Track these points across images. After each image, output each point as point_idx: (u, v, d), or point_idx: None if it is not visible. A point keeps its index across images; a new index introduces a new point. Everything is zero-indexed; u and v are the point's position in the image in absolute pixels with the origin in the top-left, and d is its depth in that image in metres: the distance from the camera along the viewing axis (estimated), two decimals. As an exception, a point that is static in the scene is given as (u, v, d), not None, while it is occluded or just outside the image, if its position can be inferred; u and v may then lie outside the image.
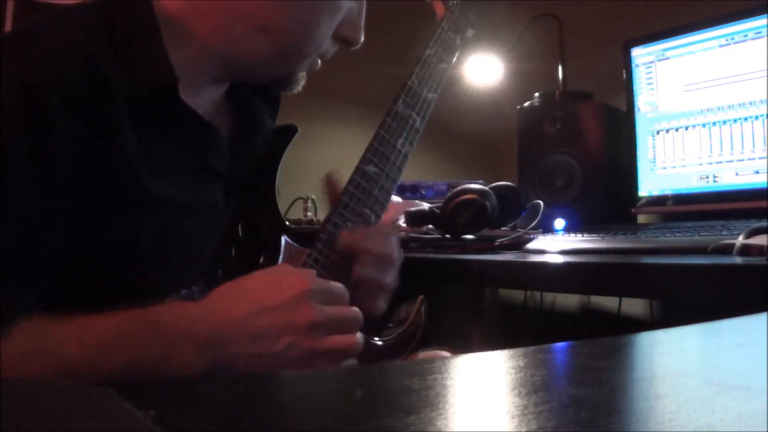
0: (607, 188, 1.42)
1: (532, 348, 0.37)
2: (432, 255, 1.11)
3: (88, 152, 0.61)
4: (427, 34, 0.91)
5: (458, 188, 1.14)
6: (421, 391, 0.29)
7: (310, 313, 0.59)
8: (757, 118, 1.23)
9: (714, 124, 1.29)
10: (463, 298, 1.85)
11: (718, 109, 1.29)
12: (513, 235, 1.13)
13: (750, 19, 1.24)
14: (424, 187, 1.69)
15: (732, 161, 1.27)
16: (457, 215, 1.12)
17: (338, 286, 0.65)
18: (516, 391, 0.29)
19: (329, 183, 0.80)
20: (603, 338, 0.40)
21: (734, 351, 0.39)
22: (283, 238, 0.76)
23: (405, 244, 1.21)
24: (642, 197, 1.42)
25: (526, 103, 1.56)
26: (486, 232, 1.15)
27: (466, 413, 0.26)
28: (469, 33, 0.95)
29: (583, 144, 1.44)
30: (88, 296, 0.63)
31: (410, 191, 1.69)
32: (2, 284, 0.57)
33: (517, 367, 0.34)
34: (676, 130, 1.35)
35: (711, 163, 1.30)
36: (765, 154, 1.22)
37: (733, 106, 1.26)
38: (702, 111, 1.31)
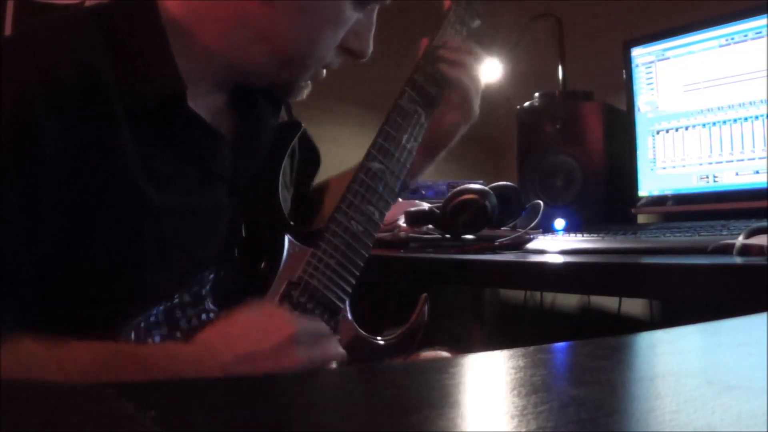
0: (607, 188, 1.42)
1: (532, 348, 0.37)
2: (432, 255, 1.11)
3: (81, 161, 0.60)
4: (432, 27, 0.88)
5: (458, 188, 1.13)
6: (421, 391, 0.29)
7: (297, 359, 0.61)
8: (757, 118, 1.23)
9: (714, 124, 1.29)
10: (463, 298, 1.85)
11: (718, 109, 1.29)
12: (513, 235, 1.13)
13: (750, 19, 1.24)
14: (424, 187, 1.69)
15: (732, 161, 1.27)
16: (457, 215, 1.12)
17: (322, 326, 0.69)
18: (516, 391, 0.29)
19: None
20: (603, 338, 0.40)
21: (734, 351, 0.39)
22: (287, 237, 0.75)
23: (405, 244, 1.21)
24: (642, 197, 1.42)
25: (526, 103, 1.56)
26: (486, 232, 1.15)
27: (466, 413, 0.26)
28: (476, 24, 0.93)
29: (583, 144, 1.44)
30: (86, 303, 0.63)
31: (410, 191, 1.69)
32: None
33: (517, 367, 0.34)
34: (676, 130, 1.35)
35: (711, 163, 1.30)
36: (765, 154, 1.22)
37: (733, 106, 1.26)
38: (702, 111, 1.31)
